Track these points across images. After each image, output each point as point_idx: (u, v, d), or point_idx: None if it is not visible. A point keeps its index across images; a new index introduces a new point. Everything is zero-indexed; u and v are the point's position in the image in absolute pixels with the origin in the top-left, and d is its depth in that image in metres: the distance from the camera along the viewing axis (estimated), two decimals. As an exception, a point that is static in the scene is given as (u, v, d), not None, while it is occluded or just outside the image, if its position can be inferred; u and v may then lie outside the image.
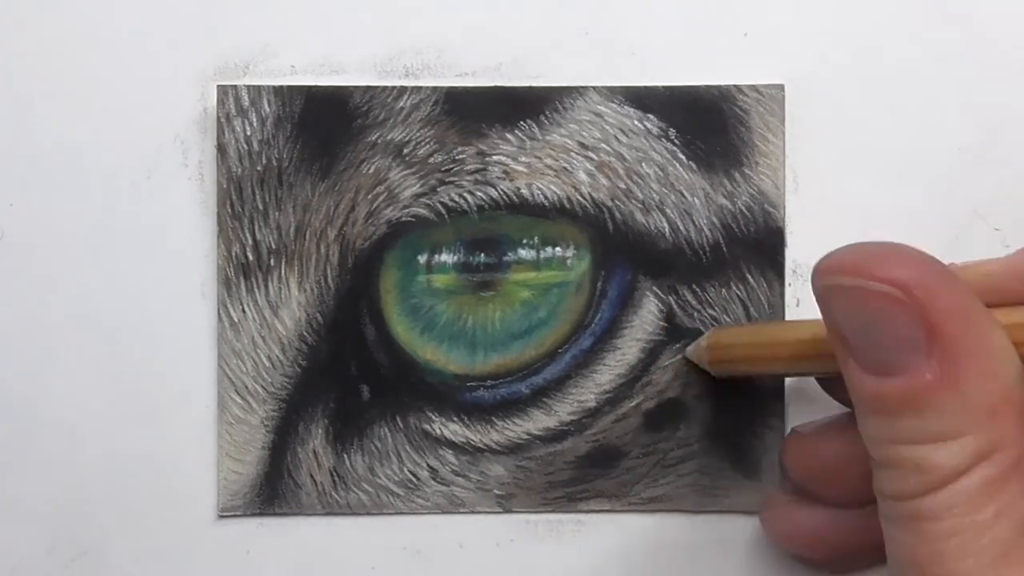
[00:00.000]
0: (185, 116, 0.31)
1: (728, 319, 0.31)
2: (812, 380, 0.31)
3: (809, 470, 0.29)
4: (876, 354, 0.22)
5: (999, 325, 0.23)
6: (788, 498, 0.30)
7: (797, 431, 0.30)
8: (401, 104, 0.31)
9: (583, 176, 0.31)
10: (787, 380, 0.31)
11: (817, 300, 0.24)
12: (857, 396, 0.23)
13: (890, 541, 0.23)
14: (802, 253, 0.31)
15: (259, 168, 0.31)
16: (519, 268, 0.31)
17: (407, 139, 0.31)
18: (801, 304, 0.31)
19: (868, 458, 0.24)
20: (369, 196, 0.31)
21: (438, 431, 0.31)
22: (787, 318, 0.31)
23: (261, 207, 0.31)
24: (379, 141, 0.31)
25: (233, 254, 0.31)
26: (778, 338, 0.28)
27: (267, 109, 0.31)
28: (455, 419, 0.31)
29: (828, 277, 0.23)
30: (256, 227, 0.31)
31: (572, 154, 0.31)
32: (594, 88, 0.31)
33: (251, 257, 0.31)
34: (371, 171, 0.31)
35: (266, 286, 0.31)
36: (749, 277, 0.31)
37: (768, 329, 0.30)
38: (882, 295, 0.22)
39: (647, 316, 0.31)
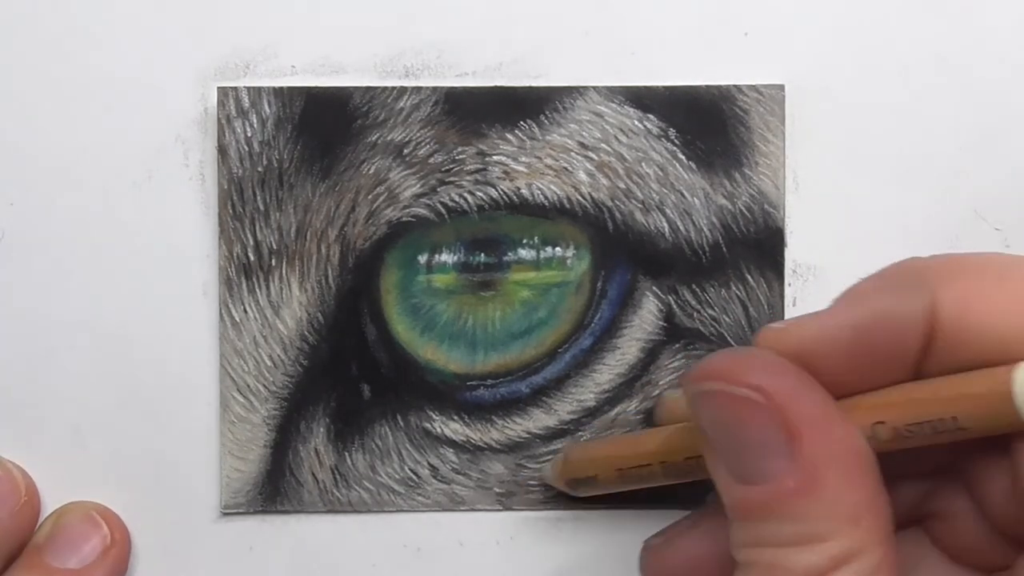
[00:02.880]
0: (186, 117, 0.31)
1: (728, 319, 0.31)
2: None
3: None
4: (740, 461, 0.23)
5: (857, 429, 0.23)
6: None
7: (647, 544, 0.29)
8: (401, 104, 0.31)
9: (583, 176, 0.31)
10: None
11: (689, 408, 0.24)
12: (726, 502, 0.24)
13: None
14: (802, 253, 0.32)
15: (260, 169, 0.31)
16: (519, 268, 0.31)
17: (407, 139, 0.31)
18: (799, 304, 0.31)
19: (716, 559, 0.24)
20: (369, 196, 0.31)
21: (439, 430, 0.31)
22: (786, 318, 0.31)
23: (262, 208, 0.31)
24: (379, 141, 0.31)
25: (234, 254, 0.31)
26: (632, 451, 0.28)
27: (267, 110, 0.31)
28: (455, 418, 0.31)
29: (697, 384, 0.24)
30: (257, 228, 0.31)
31: (572, 154, 0.31)
32: (594, 88, 0.31)
33: (252, 257, 0.31)
34: (371, 171, 0.31)
35: (267, 286, 0.31)
36: (749, 277, 0.31)
37: (619, 443, 0.29)
38: (744, 400, 0.22)
39: (647, 316, 0.31)
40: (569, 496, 0.31)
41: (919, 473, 0.25)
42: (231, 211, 0.31)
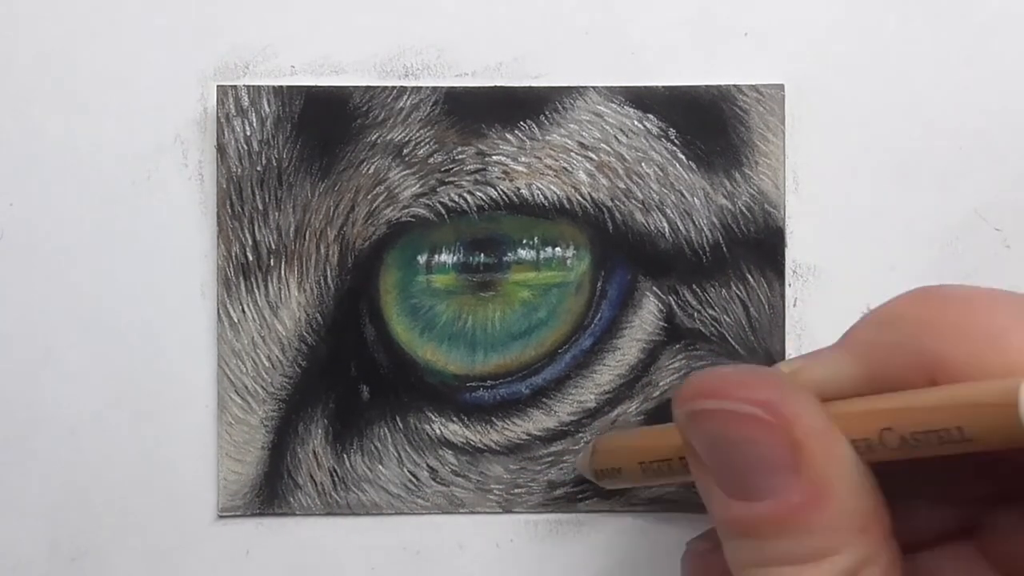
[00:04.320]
0: (185, 116, 0.31)
1: (728, 319, 0.31)
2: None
3: None
4: (741, 478, 0.22)
5: (848, 442, 0.22)
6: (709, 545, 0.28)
7: (690, 548, 0.28)
8: (401, 104, 0.31)
9: (583, 176, 0.31)
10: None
11: (679, 428, 0.24)
12: (721, 521, 0.23)
13: None
14: (802, 253, 0.31)
15: (259, 168, 0.31)
16: (519, 268, 0.31)
17: (407, 139, 0.31)
18: (799, 304, 0.31)
19: None
20: (369, 196, 0.31)
21: (438, 431, 0.31)
22: (787, 318, 0.31)
23: (261, 207, 0.31)
24: (379, 141, 0.31)
25: (233, 254, 0.31)
26: (654, 444, 0.27)
27: (267, 109, 0.31)
28: (455, 419, 0.31)
29: (691, 403, 0.23)
30: (256, 227, 0.31)
31: (572, 154, 0.31)
32: (594, 88, 0.31)
33: (251, 257, 0.31)
34: (371, 171, 0.31)
35: (266, 286, 0.31)
36: (749, 277, 0.31)
37: (644, 436, 0.28)
38: (748, 416, 0.22)
39: (647, 316, 0.31)
40: (569, 498, 0.31)
41: (971, 493, 0.25)
42: (230, 211, 0.31)
